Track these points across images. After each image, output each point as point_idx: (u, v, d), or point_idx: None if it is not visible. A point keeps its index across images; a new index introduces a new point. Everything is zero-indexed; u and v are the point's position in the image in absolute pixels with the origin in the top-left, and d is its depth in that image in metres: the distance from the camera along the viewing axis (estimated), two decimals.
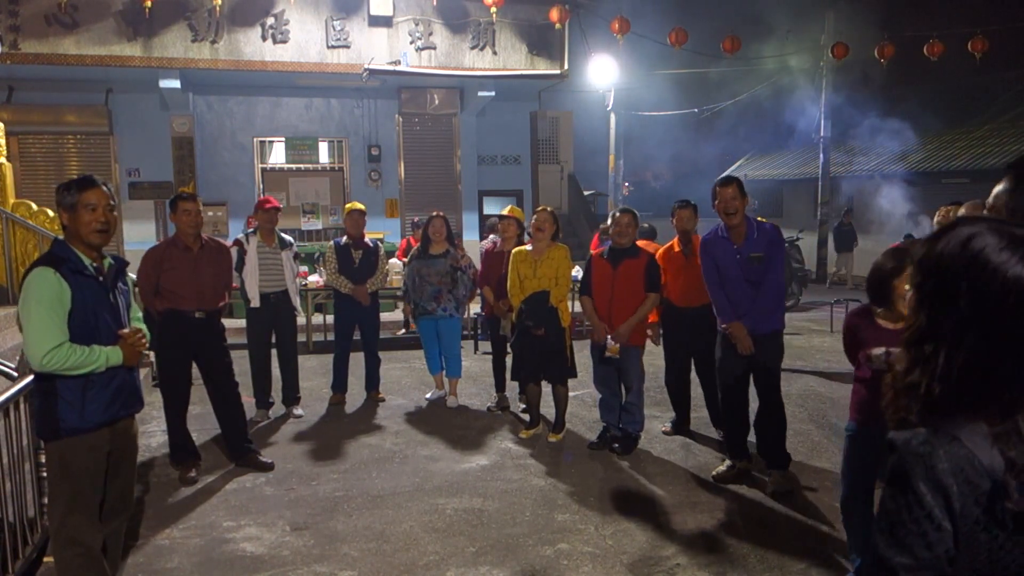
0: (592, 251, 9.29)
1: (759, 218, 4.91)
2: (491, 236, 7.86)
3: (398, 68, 11.44)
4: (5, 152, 7.87)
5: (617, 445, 5.45)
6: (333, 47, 11.29)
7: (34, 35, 10.20)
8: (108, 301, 2.99)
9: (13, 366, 4.26)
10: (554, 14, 10.88)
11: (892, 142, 18.12)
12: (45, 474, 3.75)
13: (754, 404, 4.85)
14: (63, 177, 11.56)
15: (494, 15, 10.76)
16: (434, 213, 6.64)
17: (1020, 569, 1.08)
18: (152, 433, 5.89)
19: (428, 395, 6.92)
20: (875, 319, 3.29)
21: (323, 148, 13.18)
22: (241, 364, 5.42)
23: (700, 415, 6.07)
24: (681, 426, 5.93)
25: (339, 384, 6.74)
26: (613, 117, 18.30)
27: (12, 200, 7.73)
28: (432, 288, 6.43)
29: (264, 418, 6.29)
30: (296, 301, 6.32)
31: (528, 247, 5.81)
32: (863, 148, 19.13)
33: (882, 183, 17.57)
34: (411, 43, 11.59)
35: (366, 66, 11.24)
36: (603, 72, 16.22)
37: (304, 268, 8.78)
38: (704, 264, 4.84)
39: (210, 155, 12.54)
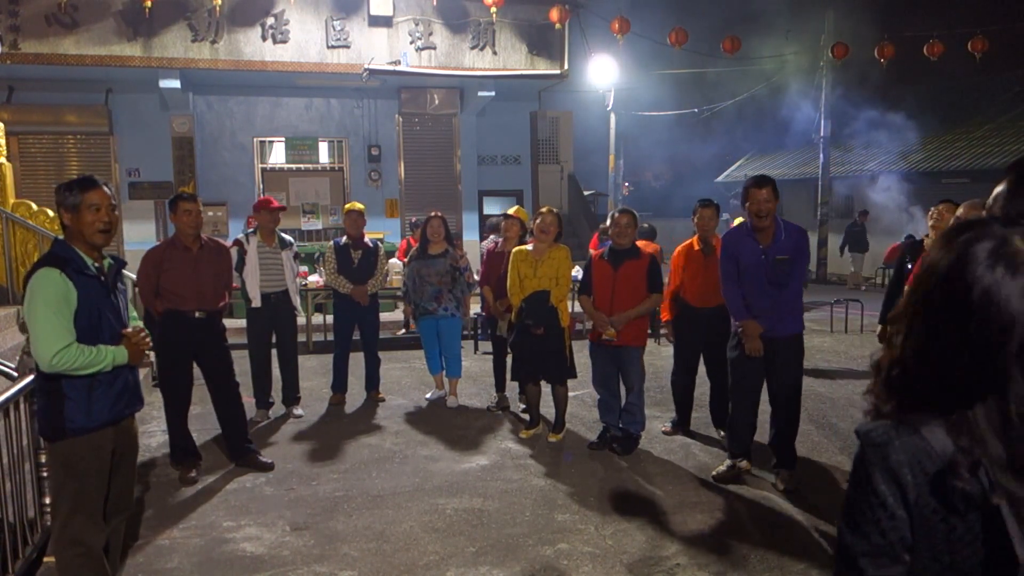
0: (592, 251, 9.28)
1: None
2: (492, 236, 7.86)
3: (398, 68, 11.45)
4: (5, 152, 7.87)
5: (617, 445, 5.44)
6: (333, 47, 11.29)
7: (34, 35, 10.21)
8: (110, 301, 3.01)
9: (13, 366, 4.26)
10: (554, 14, 10.89)
11: (892, 142, 18.13)
12: (45, 474, 3.76)
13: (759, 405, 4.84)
14: (63, 177, 11.56)
15: (494, 15, 10.77)
16: (432, 213, 6.64)
17: (978, 560, 1.10)
18: (152, 433, 5.89)
19: (428, 395, 6.92)
20: None
21: (323, 148, 13.19)
22: (241, 364, 5.42)
23: (700, 415, 6.08)
24: (681, 426, 5.93)
25: (339, 384, 6.74)
26: (613, 117, 18.31)
27: (12, 200, 7.73)
28: (432, 288, 6.43)
29: (264, 418, 6.29)
30: (296, 301, 6.32)
31: (529, 247, 5.81)
32: (863, 148, 19.15)
33: (882, 183, 17.58)
34: (411, 43, 11.59)
35: (366, 66, 11.25)
36: (603, 72, 16.22)
37: (304, 268, 8.78)
38: (723, 261, 4.75)
39: (210, 155, 12.55)
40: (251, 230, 6.26)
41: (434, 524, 4.29)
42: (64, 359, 2.79)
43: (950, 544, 1.10)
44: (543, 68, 12.25)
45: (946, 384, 1.11)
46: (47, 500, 3.78)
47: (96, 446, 2.96)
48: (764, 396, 4.78)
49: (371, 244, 6.72)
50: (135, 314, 3.38)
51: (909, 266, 5.02)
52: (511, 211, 6.51)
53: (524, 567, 3.80)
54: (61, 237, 3.03)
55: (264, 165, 12.97)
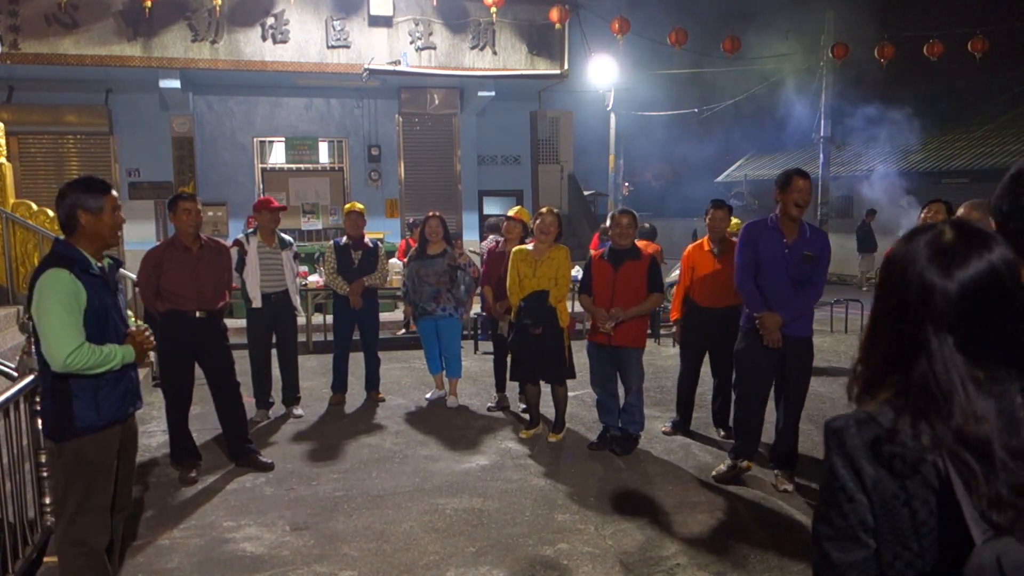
0: (592, 251, 9.29)
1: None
2: (492, 236, 7.86)
3: (398, 68, 11.45)
4: (5, 152, 7.87)
5: (616, 445, 5.44)
6: (333, 47, 11.29)
7: (34, 35, 10.20)
8: (114, 300, 3.05)
9: (13, 366, 4.26)
10: (554, 14, 10.89)
11: (892, 142, 18.12)
12: (46, 474, 3.76)
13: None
14: (63, 177, 11.59)
15: (494, 15, 10.76)
16: (430, 213, 6.64)
17: (945, 546, 1.13)
18: (152, 433, 5.89)
19: (428, 395, 6.92)
20: None
21: (323, 148, 13.18)
22: (241, 364, 5.42)
23: (700, 415, 6.08)
24: (682, 426, 5.93)
25: (339, 384, 6.74)
26: (613, 117, 18.28)
27: (12, 200, 7.73)
28: (431, 288, 6.43)
29: (264, 418, 6.29)
30: (296, 301, 6.32)
31: (529, 247, 5.81)
32: (863, 148, 19.14)
33: (881, 183, 17.57)
34: (411, 43, 11.59)
35: (366, 66, 11.25)
36: (603, 72, 16.19)
37: (304, 268, 8.78)
38: (741, 251, 4.63)
39: (210, 155, 12.55)
40: (251, 230, 6.26)
41: (434, 524, 4.29)
42: (77, 359, 2.81)
43: (915, 529, 1.15)
44: (543, 68, 12.25)
45: (889, 361, 1.21)
46: (47, 500, 3.78)
47: (104, 444, 3.01)
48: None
49: (371, 244, 6.72)
50: (130, 313, 3.40)
51: None
52: (512, 212, 6.50)
53: (524, 567, 3.80)
54: (62, 237, 3.04)
55: (264, 165, 12.97)
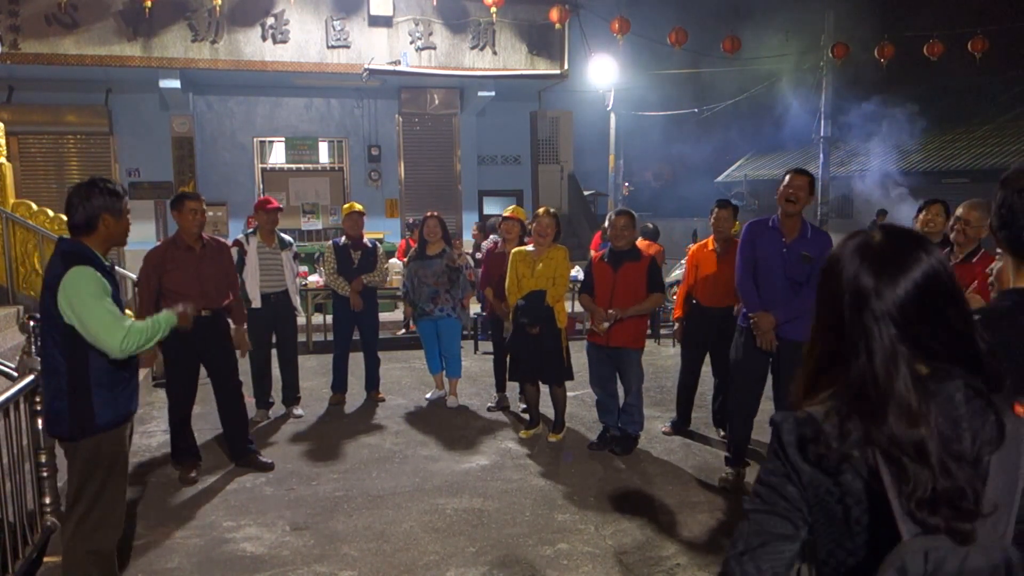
0: (592, 250, 9.29)
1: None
2: (491, 236, 7.86)
3: (398, 68, 11.45)
4: (5, 152, 7.87)
5: (616, 446, 5.44)
6: (333, 47, 11.29)
7: (34, 35, 10.21)
8: (117, 296, 3.12)
9: (13, 366, 4.26)
10: (554, 14, 10.89)
11: (892, 142, 18.12)
12: (45, 474, 3.76)
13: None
14: (63, 177, 11.61)
15: (494, 15, 10.76)
16: (428, 214, 6.64)
17: (878, 544, 1.14)
18: (152, 433, 5.89)
19: (428, 395, 6.92)
20: None
21: (323, 148, 13.19)
22: (241, 364, 5.41)
23: (699, 415, 6.08)
24: (681, 426, 5.93)
25: (339, 384, 6.74)
26: (613, 117, 18.29)
27: (12, 200, 7.73)
28: (429, 289, 6.43)
29: (264, 418, 6.29)
30: (296, 301, 6.32)
31: (529, 247, 5.81)
32: (863, 148, 19.15)
33: (882, 183, 17.57)
34: (411, 43, 11.59)
35: (366, 66, 11.25)
36: (603, 72, 16.21)
37: (304, 268, 8.78)
38: (742, 249, 4.62)
39: (210, 155, 12.55)
40: (251, 230, 6.26)
41: (434, 524, 4.29)
42: (130, 341, 2.93)
43: (848, 527, 1.17)
44: (543, 68, 12.25)
45: (828, 361, 1.24)
46: (47, 500, 3.78)
47: (120, 440, 3.12)
48: (765, 396, 4.77)
49: (370, 244, 6.72)
50: (129, 312, 3.45)
51: None
52: (508, 212, 6.50)
53: (524, 567, 3.80)
54: (67, 237, 3.10)
55: (264, 165, 12.98)
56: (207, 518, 4.40)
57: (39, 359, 3.55)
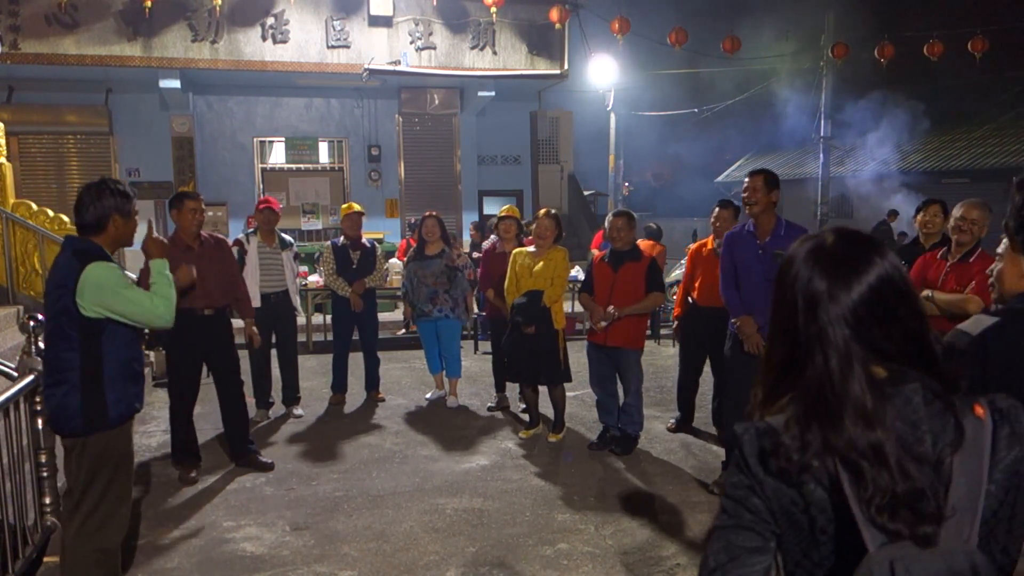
0: (594, 249, 9.29)
1: None
2: (492, 236, 7.86)
3: (398, 68, 11.45)
4: (5, 152, 7.86)
5: (615, 446, 5.44)
6: (333, 47, 11.29)
7: (34, 35, 10.21)
8: None
9: (13, 366, 4.26)
10: (554, 14, 10.88)
11: (892, 142, 18.12)
12: (45, 474, 3.76)
13: None
14: (63, 177, 11.61)
15: (494, 15, 10.76)
16: (427, 213, 6.64)
17: (844, 554, 1.13)
18: (152, 433, 5.89)
19: (428, 395, 6.92)
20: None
21: (323, 148, 13.19)
22: (241, 364, 5.42)
23: (700, 415, 6.08)
24: (685, 424, 5.94)
25: (339, 384, 6.74)
26: (613, 117, 18.29)
27: (12, 200, 7.72)
28: (428, 289, 6.42)
29: (264, 418, 6.29)
30: (296, 301, 6.32)
31: (530, 248, 5.82)
32: (863, 148, 19.15)
33: (882, 182, 17.56)
34: (411, 43, 11.59)
35: (366, 66, 11.25)
36: (603, 72, 16.21)
37: (304, 268, 8.78)
38: (722, 257, 4.76)
39: (210, 155, 12.55)
40: (251, 230, 6.27)
41: (434, 524, 4.29)
42: (162, 309, 3.10)
43: (814, 537, 1.16)
44: (543, 68, 12.25)
45: (785, 368, 1.22)
46: (47, 500, 3.78)
47: (128, 436, 3.18)
48: None
49: (369, 245, 6.72)
50: None
51: (905, 269, 4.98)
52: (504, 211, 6.51)
53: (524, 567, 3.80)
54: (76, 236, 3.15)
55: (264, 165, 12.97)
56: (207, 518, 4.40)
57: (39, 359, 3.55)
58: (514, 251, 5.87)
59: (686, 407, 5.96)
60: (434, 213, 6.65)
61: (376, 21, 11.40)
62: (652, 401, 6.65)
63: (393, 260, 9.77)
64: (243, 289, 5.41)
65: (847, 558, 1.11)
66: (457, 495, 4.71)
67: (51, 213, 7.73)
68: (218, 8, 9.98)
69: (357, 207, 6.72)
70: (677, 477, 5.03)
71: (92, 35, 10.40)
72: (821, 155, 17.10)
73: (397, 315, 10.68)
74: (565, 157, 14.99)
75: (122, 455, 3.13)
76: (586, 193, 18.43)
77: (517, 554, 3.93)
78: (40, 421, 3.68)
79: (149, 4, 9.51)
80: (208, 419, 5.86)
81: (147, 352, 7.15)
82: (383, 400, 6.85)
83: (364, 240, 6.74)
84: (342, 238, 6.72)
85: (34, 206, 7.77)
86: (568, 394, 5.93)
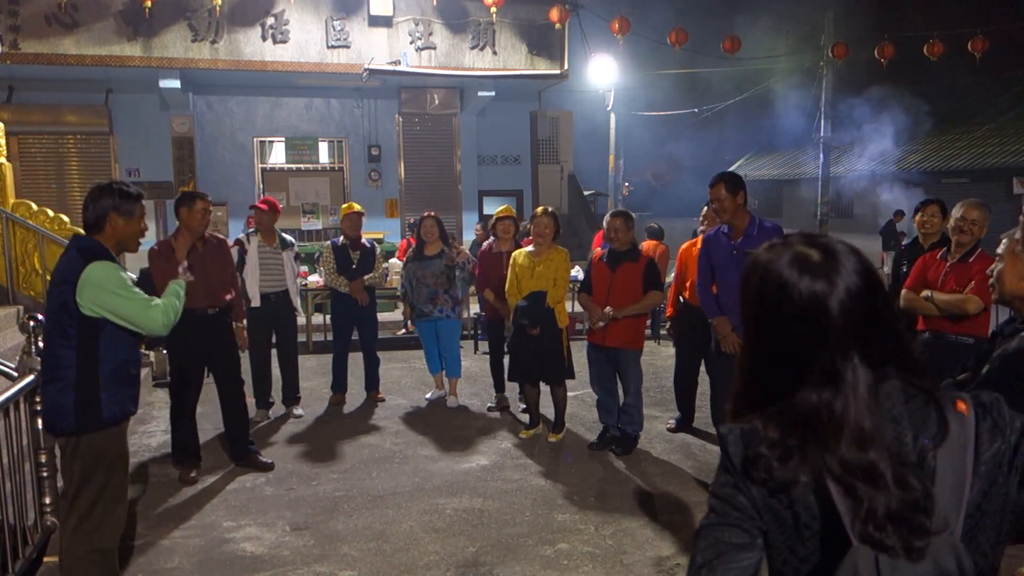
0: (594, 249, 9.28)
1: None
2: (490, 238, 7.86)
3: (398, 68, 11.45)
4: (5, 152, 7.87)
5: (616, 446, 5.45)
6: (333, 47, 11.29)
7: (34, 35, 10.20)
8: None
9: (13, 366, 4.26)
10: (554, 14, 10.88)
11: (892, 142, 18.12)
12: (45, 474, 3.76)
13: None
14: (63, 177, 11.61)
15: (494, 15, 10.76)
16: (426, 214, 6.64)
17: (830, 549, 1.13)
18: (152, 433, 5.89)
19: (428, 395, 6.92)
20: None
21: (323, 148, 13.18)
22: (242, 364, 5.42)
23: (700, 415, 6.08)
24: (685, 424, 5.94)
25: (339, 384, 6.74)
26: (613, 117, 18.29)
27: (12, 200, 7.73)
28: (428, 290, 6.43)
29: (264, 418, 6.29)
30: (296, 302, 6.32)
31: (528, 248, 5.82)
32: (863, 147, 19.16)
33: (882, 182, 17.56)
34: (411, 43, 11.59)
35: (366, 66, 11.25)
36: (603, 72, 16.21)
37: (304, 268, 8.77)
38: (700, 259, 4.90)
39: (210, 155, 12.55)
40: (252, 230, 6.26)
41: (434, 524, 4.29)
42: (168, 314, 3.09)
43: (799, 533, 1.15)
44: (543, 68, 12.24)
45: (773, 381, 1.20)
46: (47, 500, 3.78)
47: (122, 438, 3.17)
48: None
49: (368, 244, 6.72)
50: None
51: (905, 269, 4.98)
52: (503, 211, 6.52)
53: (524, 567, 3.80)
54: (82, 234, 3.17)
55: (264, 165, 12.97)
56: (207, 518, 4.40)
57: (39, 359, 3.55)
58: (513, 252, 5.88)
59: (686, 407, 5.97)
60: (433, 213, 6.65)
61: (376, 21, 11.40)
62: (652, 401, 6.65)
63: (393, 260, 9.77)
64: (237, 291, 5.41)
65: (832, 553, 1.11)
66: (457, 495, 4.71)
67: (51, 213, 7.74)
68: (218, 8, 9.98)
69: (357, 207, 6.72)
70: (677, 477, 5.03)
71: (92, 35, 10.40)
72: (821, 155, 17.11)
73: (397, 315, 10.68)
74: (565, 157, 15.00)
75: (116, 456, 3.12)
76: (586, 193, 18.44)
77: (517, 554, 3.93)
78: (40, 421, 3.68)
79: (149, 4, 9.51)
80: (208, 419, 5.86)
81: (148, 352, 7.17)
82: (383, 400, 6.85)
83: (364, 240, 6.74)
84: (342, 238, 6.72)
85: (34, 206, 7.77)
86: (568, 394, 5.93)
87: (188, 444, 5.09)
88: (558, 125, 14.93)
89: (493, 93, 12.58)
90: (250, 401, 6.03)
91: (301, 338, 7.67)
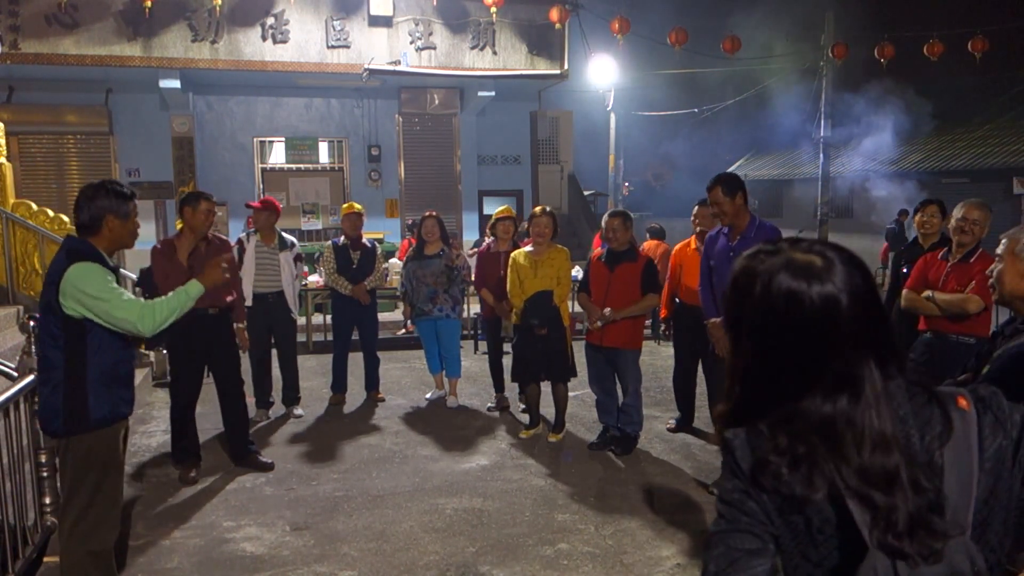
0: (595, 249, 9.30)
1: None
2: (489, 238, 7.87)
3: (398, 68, 11.45)
4: (5, 152, 7.86)
5: (615, 446, 5.45)
6: (333, 47, 11.29)
7: (34, 35, 10.20)
8: None
9: (13, 366, 4.26)
10: (554, 14, 10.88)
11: (892, 142, 18.11)
12: (45, 474, 3.76)
13: None
14: (63, 177, 11.61)
15: (494, 15, 10.76)
16: (426, 213, 6.64)
17: (843, 552, 1.12)
18: (152, 433, 5.89)
19: (428, 395, 6.92)
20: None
21: (323, 148, 13.19)
22: (242, 364, 5.41)
23: (700, 415, 6.07)
24: (685, 424, 5.94)
25: (339, 384, 6.74)
26: (613, 117, 18.29)
27: (12, 200, 7.73)
28: (428, 289, 6.43)
29: (264, 418, 6.29)
30: (291, 303, 6.21)
31: (528, 248, 5.82)
32: (863, 148, 19.15)
33: (881, 183, 17.55)
34: (411, 43, 11.59)
35: (366, 66, 11.25)
36: (603, 72, 16.21)
37: (305, 268, 8.77)
38: (701, 260, 4.89)
39: (210, 155, 12.55)
40: (252, 229, 6.26)
41: (434, 524, 4.29)
42: (156, 316, 2.99)
43: (811, 537, 1.14)
44: (543, 68, 12.24)
45: (772, 384, 1.18)
46: (47, 500, 3.78)
47: (113, 441, 3.11)
48: None
49: (369, 244, 6.72)
50: None
51: (905, 270, 4.98)
52: (502, 212, 6.52)
53: (524, 567, 3.80)
54: (74, 235, 3.12)
55: (264, 165, 12.97)
56: (207, 518, 4.40)
57: (40, 358, 3.55)
58: (513, 253, 5.88)
59: (685, 407, 5.96)
60: (433, 213, 6.65)
61: (376, 21, 11.40)
62: (652, 401, 6.65)
63: (393, 260, 9.77)
64: (239, 292, 5.40)
65: (847, 557, 1.11)
66: (457, 495, 4.71)
67: (51, 213, 7.74)
68: (218, 8, 9.98)
69: (357, 207, 6.72)
70: (677, 477, 5.03)
71: (92, 35, 10.39)
72: (821, 155, 17.10)
73: (397, 315, 10.67)
74: (565, 157, 15.00)
75: (107, 459, 3.06)
76: (586, 193, 18.45)
77: (517, 554, 3.93)
78: (38, 419, 3.68)
79: (149, 4, 9.50)
80: (209, 419, 5.86)
81: (148, 352, 7.17)
82: (383, 400, 6.85)
83: (365, 240, 6.73)
84: (343, 238, 6.72)
85: (34, 206, 7.77)
86: (568, 394, 5.93)
87: (188, 444, 5.09)
88: (558, 125, 14.93)
89: (493, 93, 12.58)
90: (250, 401, 6.03)
91: (301, 338, 7.67)
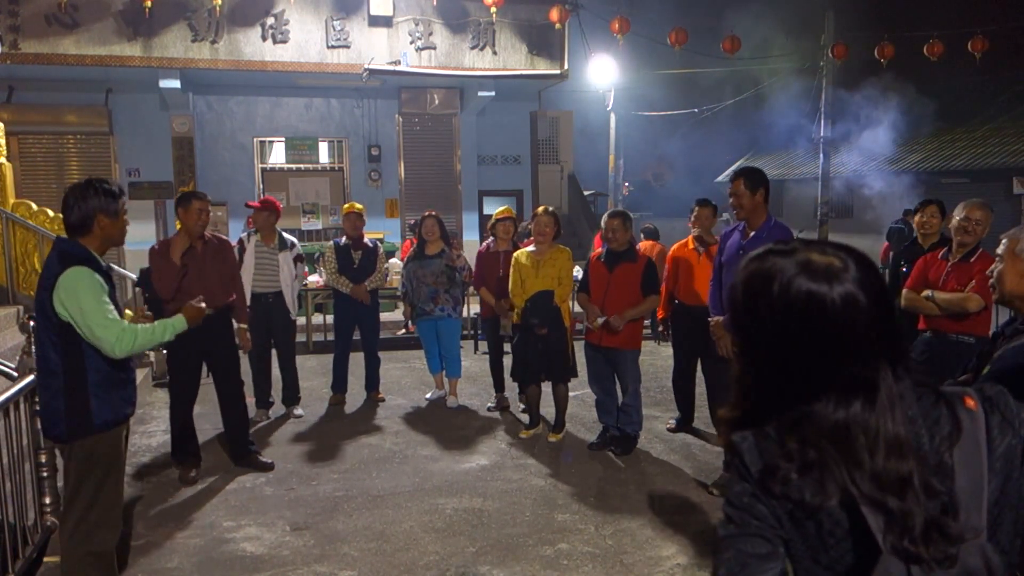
0: (595, 249, 9.30)
1: None
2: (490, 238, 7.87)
3: (398, 68, 11.45)
4: (5, 152, 7.87)
5: (615, 446, 5.45)
6: (333, 47, 11.29)
7: (34, 35, 10.20)
8: (114, 296, 3.11)
9: (13, 366, 4.26)
10: (554, 14, 10.88)
11: (892, 142, 18.10)
12: (45, 474, 3.76)
13: None
14: (63, 177, 11.60)
15: (494, 15, 10.76)
16: (426, 213, 6.64)
17: (856, 555, 1.11)
18: (152, 433, 5.89)
19: (428, 395, 6.92)
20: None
21: (323, 148, 13.18)
22: (241, 364, 5.42)
23: (700, 414, 6.07)
24: (685, 424, 5.94)
25: (339, 384, 6.74)
26: (613, 117, 18.29)
27: (12, 200, 7.73)
28: (428, 289, 6.43)
29: (264, 418, 6.29)
30: (290, 304, 6.20)
31: (529, 248, 5.83)
32: (863, 148, 19.14)
33: (881, 183, 17.54)
34: (411, 43, 11.59)
35: (366, 66, 11.25)
36: (603, 72, 16.21)
37: (306, 268, 8.77)
38: (716, 256, 4.84)
39: (210, 155, 12.54)
40: (252, 229, 6.26)
41: (434, 524, 4.29)
42: (127, 341, 2.95)
43: (822, 541, 1.13)
44: (543, 68, 12.24)
45: (783, 388, 1.16)
46: (47, 500, 3.78)
47: (116, 441, 3.12)
48: None
49: (370, 244, 6.72)
50: (128, 312, 3.46)
51: (904, 269, 4.98)
52: (502, 212, 6.52)
53: (524, 567, 3.80)
54: (65, 236, 3.09)
55: (264, 165, 12.97)
56: (207, 518, 4.40)
57: (39, 359, 3.55)
58: (515, 253, 5.89)
59: (685, 407, 5.96)
60: (434, 213, 6.65)
61: (376, 21, 11.39)
62: (652, 401, 6.65)
63: (394, 260, 9.77)
64: (240, 292, 5.40)
65: (859, 560, 1.10)
66: (457, 495, 4.71)
67: (51, 213, 7.73)
68: (218, 8, 9.98)
69: (358, 207, 6.72)
70: (677, 477, 5.03)
71: (92, 35, 10.39)
72: (821, 155, 17.09)
73: (397, 315, 10.67)
74: (565, 157, 14.99)
75: (110, 460, 3.08)
76: (586, 193, 18.44)
77: (517, 554, 3.93)
78: (39, 421, 3.68)
79: (149, 4, 9.50)
80: (208, 419, 5.86)
81: (147, 352, 7.17)
82: (383, 400, 6.85)
83: (366, 240, 6.73)
84: (344, 238, 6.72)
85: (34, 206, 7.77)
86: (569, 394, 5.93)
87: (187, 444, 5.09)
88: (558, 125, 14.92)
89: (493, 93, 12.58)
90: (250, 401, 6.03)
91: (301, 338, 7.67)
